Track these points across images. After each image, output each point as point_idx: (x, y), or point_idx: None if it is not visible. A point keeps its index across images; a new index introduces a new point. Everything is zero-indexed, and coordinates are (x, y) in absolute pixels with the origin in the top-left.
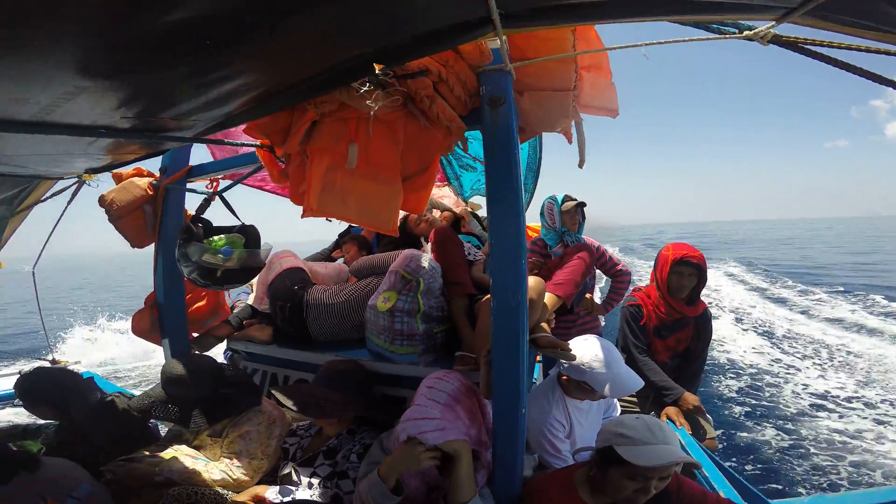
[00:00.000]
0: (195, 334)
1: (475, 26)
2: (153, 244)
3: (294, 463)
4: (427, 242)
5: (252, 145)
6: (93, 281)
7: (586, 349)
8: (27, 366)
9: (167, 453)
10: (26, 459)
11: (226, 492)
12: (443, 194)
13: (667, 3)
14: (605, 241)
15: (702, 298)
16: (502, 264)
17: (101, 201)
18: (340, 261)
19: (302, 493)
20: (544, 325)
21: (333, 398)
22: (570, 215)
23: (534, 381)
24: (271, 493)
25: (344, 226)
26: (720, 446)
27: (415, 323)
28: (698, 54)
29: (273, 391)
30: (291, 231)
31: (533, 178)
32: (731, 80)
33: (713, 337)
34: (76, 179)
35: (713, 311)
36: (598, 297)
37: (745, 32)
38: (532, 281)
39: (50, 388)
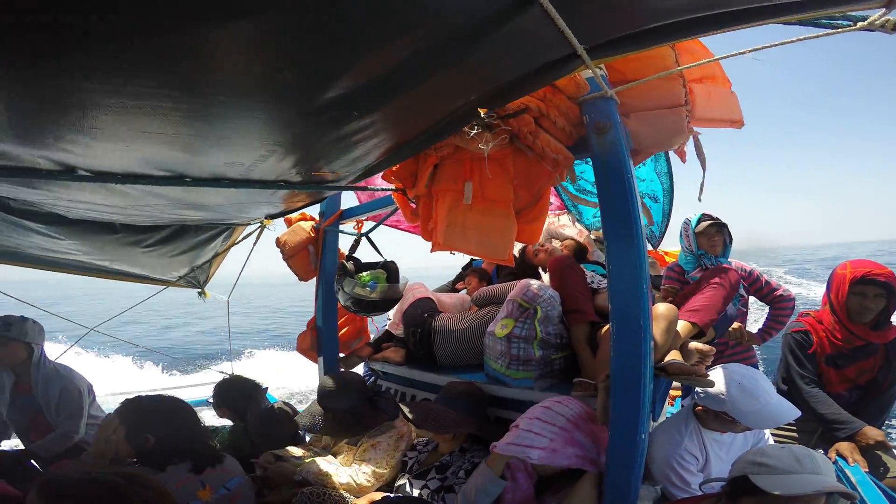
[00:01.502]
0: (341, 355)
1: (565, 62)
2: (314, 278)
3: (410, 475)
4: (545, 272)
5: (389, 189)
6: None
7: (725, 377)
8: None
9: (307, 456)
10: (214, 454)
11: (348, 495)
12: (562, 223)
13: (759, 11)
14: (768, 265)
15: (894, 322)
16: (620, 287)
17: (277, 242)
18: (463, 292)
19: None
20: (676, 353)
21: (449, 415)
22: (706, 237)
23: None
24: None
25: (467, 259)
26: None
27: (531, 349)
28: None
29: (399, 404)
30: (419, 262)
31: (669, 201)
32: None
33: None
34: (259, 224)
35: None
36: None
37: (860, 24)
38: (662, 307)
39: (236, 395)
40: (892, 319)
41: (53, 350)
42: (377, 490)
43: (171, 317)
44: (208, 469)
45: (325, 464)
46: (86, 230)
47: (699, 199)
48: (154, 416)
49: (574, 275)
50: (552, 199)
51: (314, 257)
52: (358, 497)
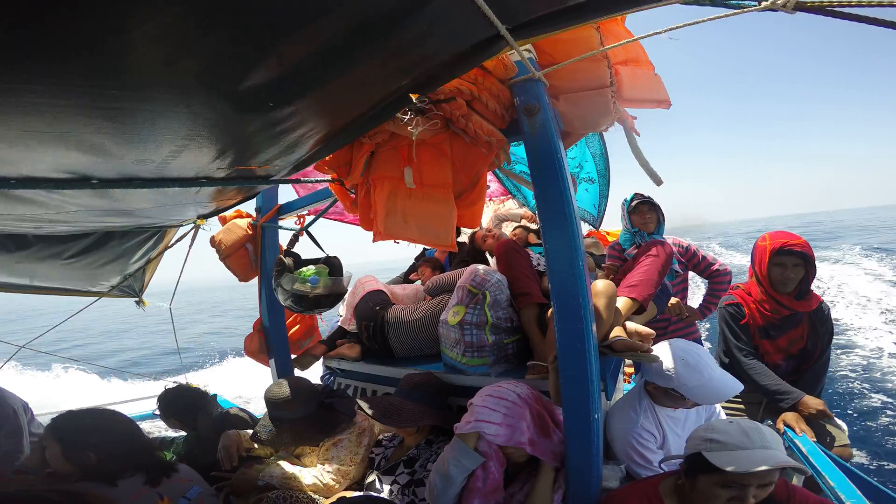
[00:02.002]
0: (293, 356)
1: (490, 43)
2: (255, 278)
3: (378, 471)
4: (492, 257)
5: (325, 181)
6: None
7: (670, 353)
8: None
9: (269, 460)
10: (166, 464)
11: (317, 496)
12: (508, 208)
13: None
14: (701, 240)
15: (814, 291)
16: (558, 267)
17: (212, 242)
18: (418, 283)
19: None
20: (619, 329)
21: (409, 408)
22: (639, 214)
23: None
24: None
25: (417, 250)
26: (858, 454)
27: (483, 335)
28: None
29: (358, 401)
30: (367, 255)
31: (606, 183)
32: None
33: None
34: (192, 225)
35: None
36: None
37: (765, 3)
38: (600, 284)
39: (182, 405)
40: (811, 288)
41: None
42: (347, 489)
43: (118, 330)
44: (164, 480)
45: (289, 466)
46: None
47: (658, 184)
48: (91, 430)
49: (519, 258)
50: (495, 184)
51: (253, 256)
52: (327, 497)
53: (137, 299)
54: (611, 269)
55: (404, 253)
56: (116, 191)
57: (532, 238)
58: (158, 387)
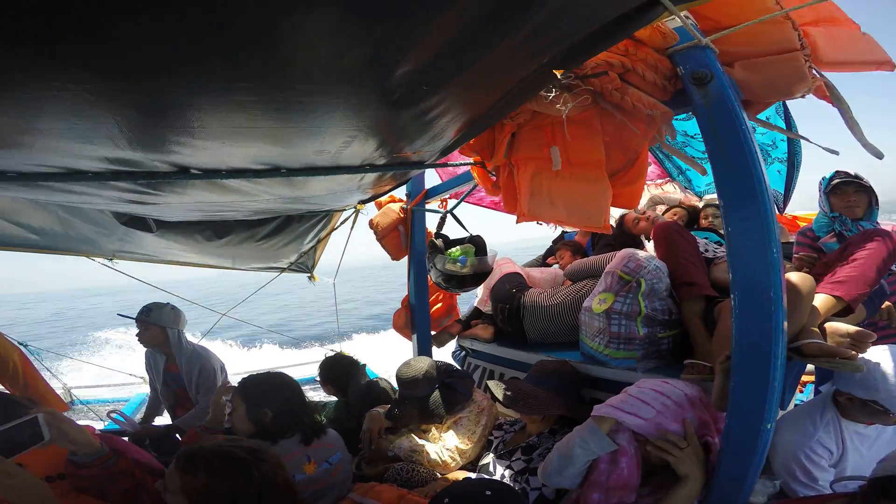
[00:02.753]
0: (432, 332)
1: (643, 12)
2: (406, 257)
3: (494, 455)
4: (648, 241)
5: (468, 164)
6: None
7: (880, 359)
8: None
9: (400, 432)
10: (319, 427)
11: (435, 471)
12: (665, 191)
13: None
14: None
15: None
16: (743, 254)
17: (370, 225)
18: (555, 267)
19: None
20: (813, 331)
21: (538, 395)
22: (841, 196)
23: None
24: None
25: (555, 233)
26: None
27: (634, 326)
28: None
29: (487, 382)
30: (502, 236)
31: (795, 160)
32: None
33: None
34: (353, 210)
35: None
36: None
37: None
38: (795, 277)
39: (338, 371)
40: None
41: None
42: (461, 469)
43: (283, 301)
44: (314, 442)
45: (417, 440)
46: (204, 233)
47: (880, 156)
48: (270, 391)
49: (684, 242)
50: (653, 166)
51: (405, 237)
52: (443, 475)
53: (309, 275)
54: (805, 261)
55: (537, 233)
56: (298, 179)
57: (706, 222)
58: (316, 355)
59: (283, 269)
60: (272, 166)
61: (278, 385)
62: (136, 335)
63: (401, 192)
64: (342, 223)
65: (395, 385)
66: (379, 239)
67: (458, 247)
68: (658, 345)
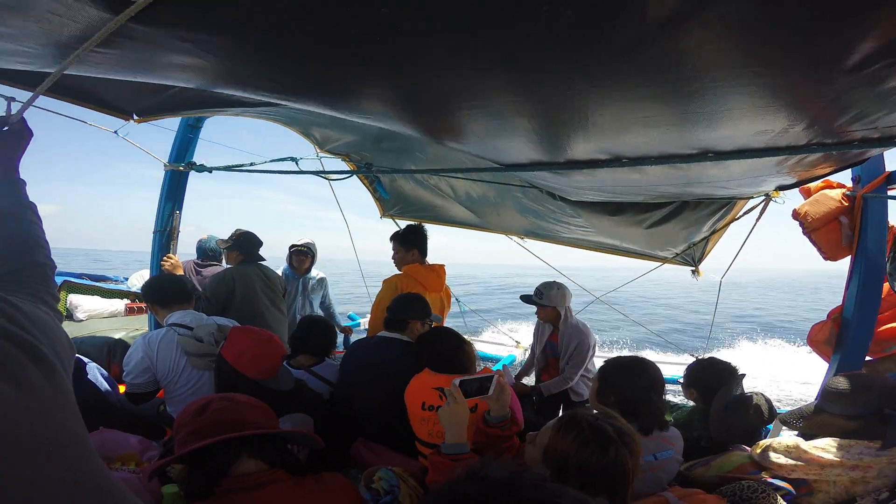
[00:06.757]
0: (868, 358)
1: None
2: (848, 257)
3: None
4: None
5: None
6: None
7: None
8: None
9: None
10: (661, 421)
11: None
12: None
13: None
14: None
15: None
16: None
17: (796, 215)
18: None
19: None
20: None
21: None
22: None
23: None
24: None
25: None
26: None
27: None
28: None
29: None
30: None
31: None
32: None
33: None
34: (764, 197)
35: None
36: None
37: None
38: None
39: (709, 377)
40: None
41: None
42: None
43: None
44: (652, 434)
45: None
46: (600, 214)
47: None
48: (622, 376)
49: None
50: None
51: (848, 231)
52: None
53: (694, 268)
54: None
55: None
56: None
57: None
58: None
59: (666, 260)
60: (662, 154)
61: (634, 372)
62: (536, 312)
63: (840, 177)
64: (745, 213)
65: (778, 407)
66: (808, 232)
67: None
68: None
